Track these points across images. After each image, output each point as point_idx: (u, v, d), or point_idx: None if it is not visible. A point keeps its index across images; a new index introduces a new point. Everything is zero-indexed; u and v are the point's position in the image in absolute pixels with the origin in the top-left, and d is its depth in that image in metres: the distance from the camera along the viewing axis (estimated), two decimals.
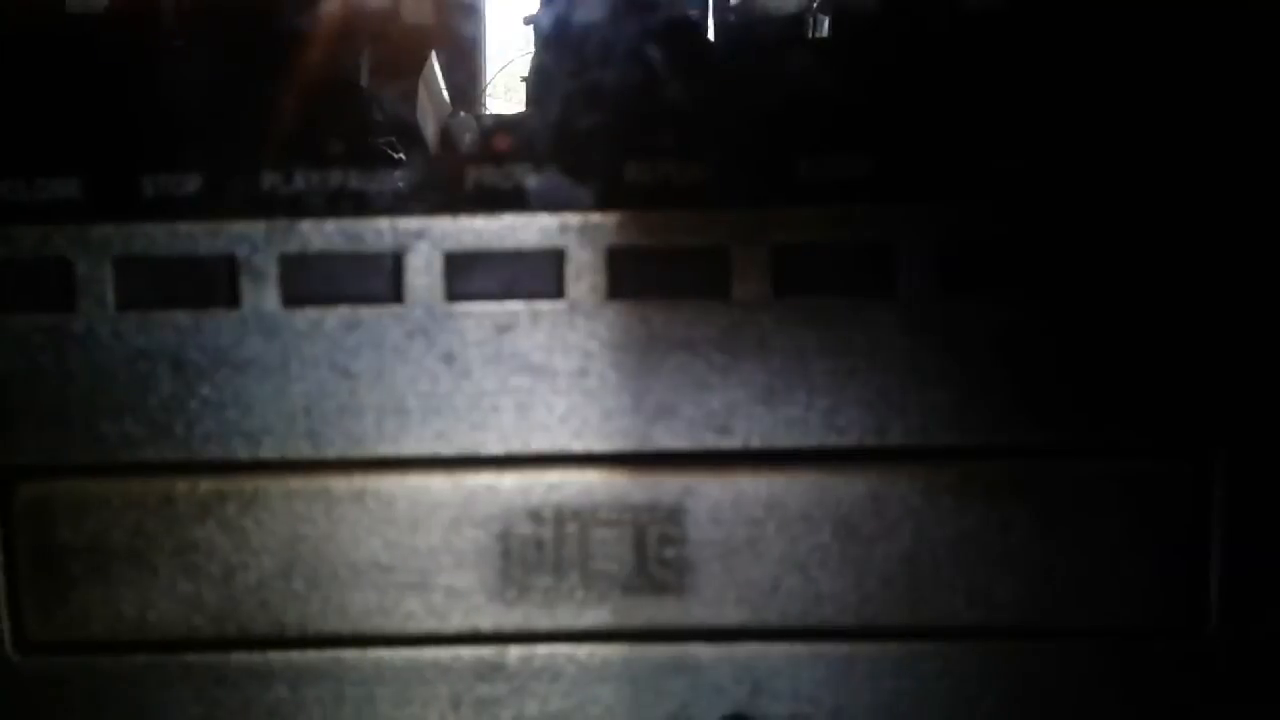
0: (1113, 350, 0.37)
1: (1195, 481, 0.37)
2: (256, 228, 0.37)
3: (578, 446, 0.37)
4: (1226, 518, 0.37)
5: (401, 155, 0.41)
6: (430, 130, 0.43)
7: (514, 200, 0.37)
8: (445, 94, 0.47)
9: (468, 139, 0.44)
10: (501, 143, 0.39)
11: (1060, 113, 0.37)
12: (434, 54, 0.44)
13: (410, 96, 0.42)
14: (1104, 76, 0.36)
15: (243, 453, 0.38)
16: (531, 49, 0.42)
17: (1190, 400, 0.37)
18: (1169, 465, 0.37)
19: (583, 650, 0.39)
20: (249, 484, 0.38)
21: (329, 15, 0.42)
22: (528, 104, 0.44)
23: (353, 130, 0.41)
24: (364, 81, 0.43)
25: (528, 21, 0.45)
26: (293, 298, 0.37)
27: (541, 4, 0.42)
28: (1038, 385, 0.37)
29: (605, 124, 0.38)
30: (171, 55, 0.40)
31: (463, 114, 0.47)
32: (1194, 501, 0.37)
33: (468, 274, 0.37)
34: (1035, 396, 0.37)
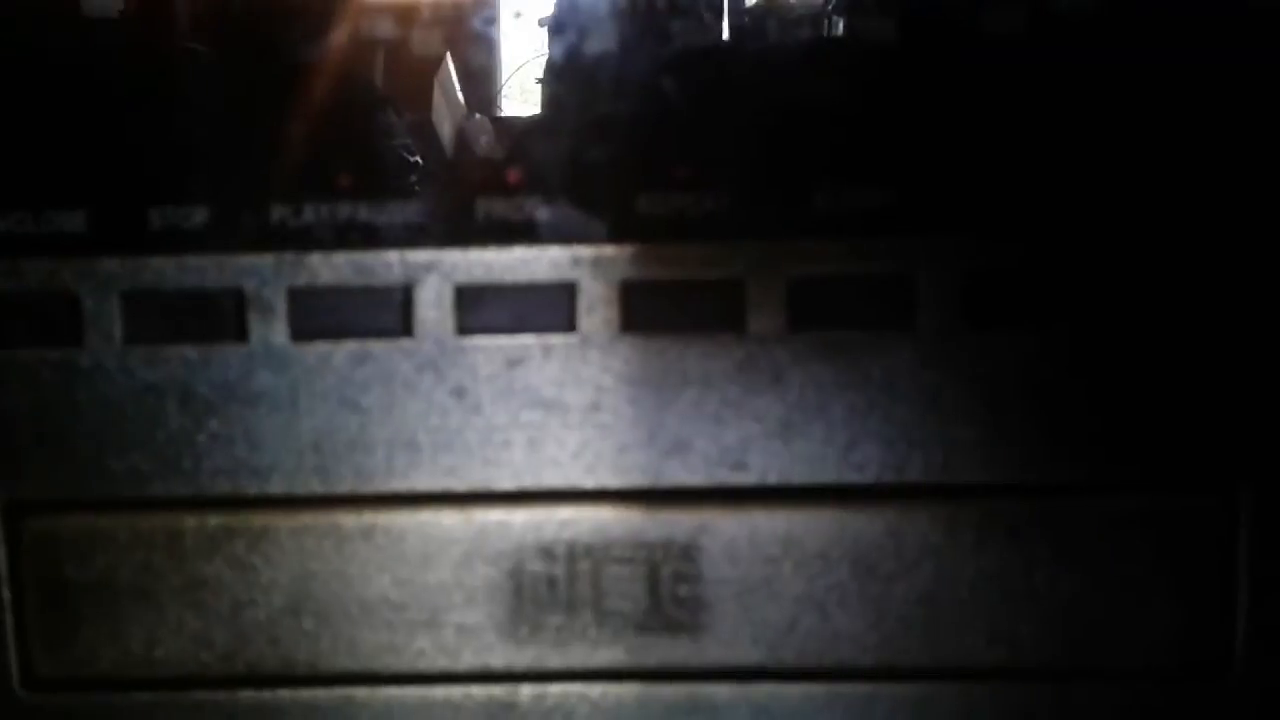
0: (1137, 386, 0.36)
1: (1221, 519, 0.36)
2: (264, 261, 0.36)
3: (590, 482, 0.37)
4: (1253, 556, 0.36)
5: (418, 159, 0.40)
6: (446, 133, 0.43)
7: (525, 233, 0.37)
8: (460, 96, 0.47)
9: (484, 142, 0.43)
10: (512, 174, 0.38)
11: (1085, 144, 0.36)
12: (449, 56, 0.44)
13: (425, 98, 0.42)
14: (1132, 107, 0.36)
15: (251, 488, 0.37)
16: (546, 51, 0.42)
17: (1216, 437, 0.36)
18: (1194, 503, 0.37)
19: (596, 689, 0.38)
20: (257, 520, 0.37)
21: (341, 37, 0.41)
22: (542, 108, 0.43)
23: (363, 160, 0.40)
24: (378, 83, 0.42)
25: (542, 23, 0.45)
26: (301, 331, 0.36)
27: (555, 6, 0.41)
28: (1061, 421, 0.36)
29: (617, 155, 0.37)
30: (175, 85, 0.40)
31: (478, 116, 0.47)
32: (1220, 540, 0.37)
33: (478, 307, 0.36)
34: (1058, 433, 0.36)
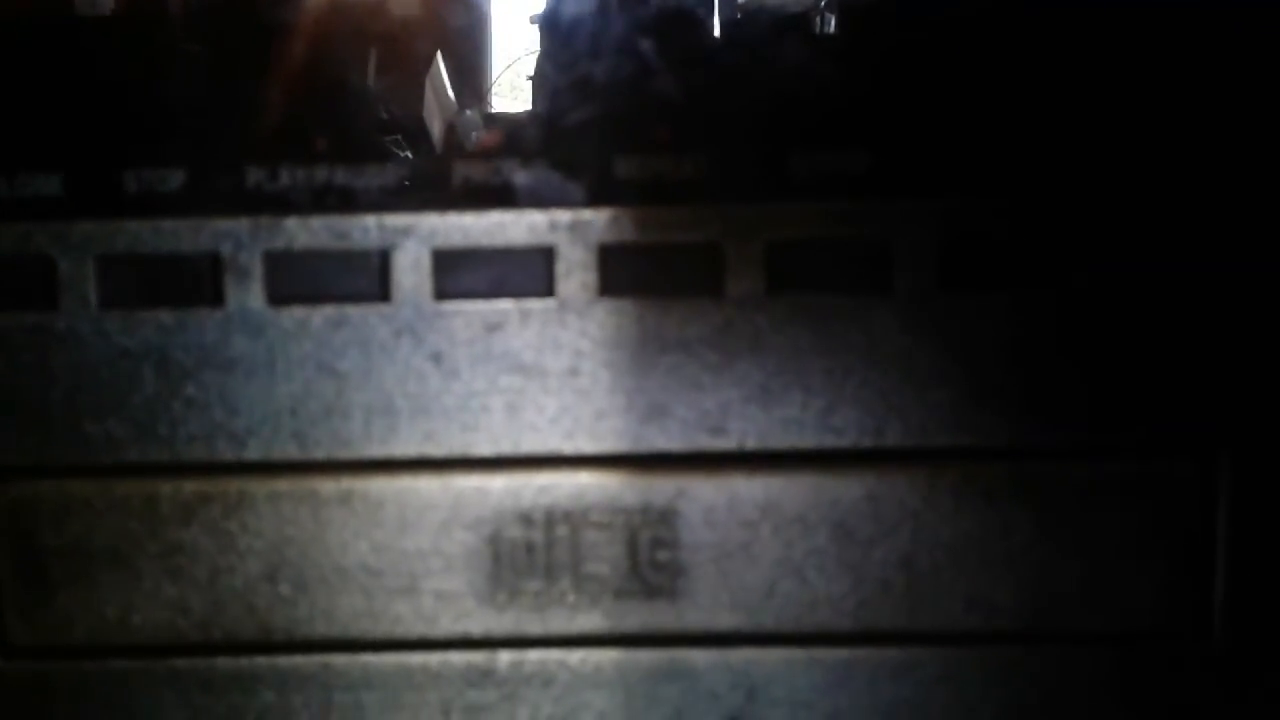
0: (1115, 350, 0.36)
1: (1200, 483, 0.37)
2: (241, 225, 0.36)
3: (569, 448, 0.37)
4: (1232, 520, 0.36)
5: (408, 153, 0.40)
6: (436, 128, 0.43)
7: (503, 197, 0.36)
8: (451, 92, 0.47)
9: (473, 137, 0.43)
10: (491, 138, 0.38)
11: (1060, 108, 0.36)
12: (439, 53, 0.44)
13: (416, 94, 0.42)
14: (1107, 71, 0.36)
15: (228, 454, 0.37)
16: (538, 48, 0.42)
17: (1195, 401, 0.36)
18: (1173, 467, 0.37)
19: (575, 655, 0.38)
20: (234, 486, 0.37)
21: (328, 13, 0.41)
22: (533, 103, 0.43)
23: (343, 125, 0.40)
24: (370, 80, 0.42)
25: (534, 20, 0.45)
26: (278, 296, 0.36)
27: (548, 3, 0.41)
28: (1039, 385, 0.36)
29: (595, 118, 0.37)
30: (158, 52, 0.39)
31: (468, 112, 0.47)
32: (1199, 503, 0.37)
33: (456, 272, 0.36)
34: (1036, 396, 0.36)
